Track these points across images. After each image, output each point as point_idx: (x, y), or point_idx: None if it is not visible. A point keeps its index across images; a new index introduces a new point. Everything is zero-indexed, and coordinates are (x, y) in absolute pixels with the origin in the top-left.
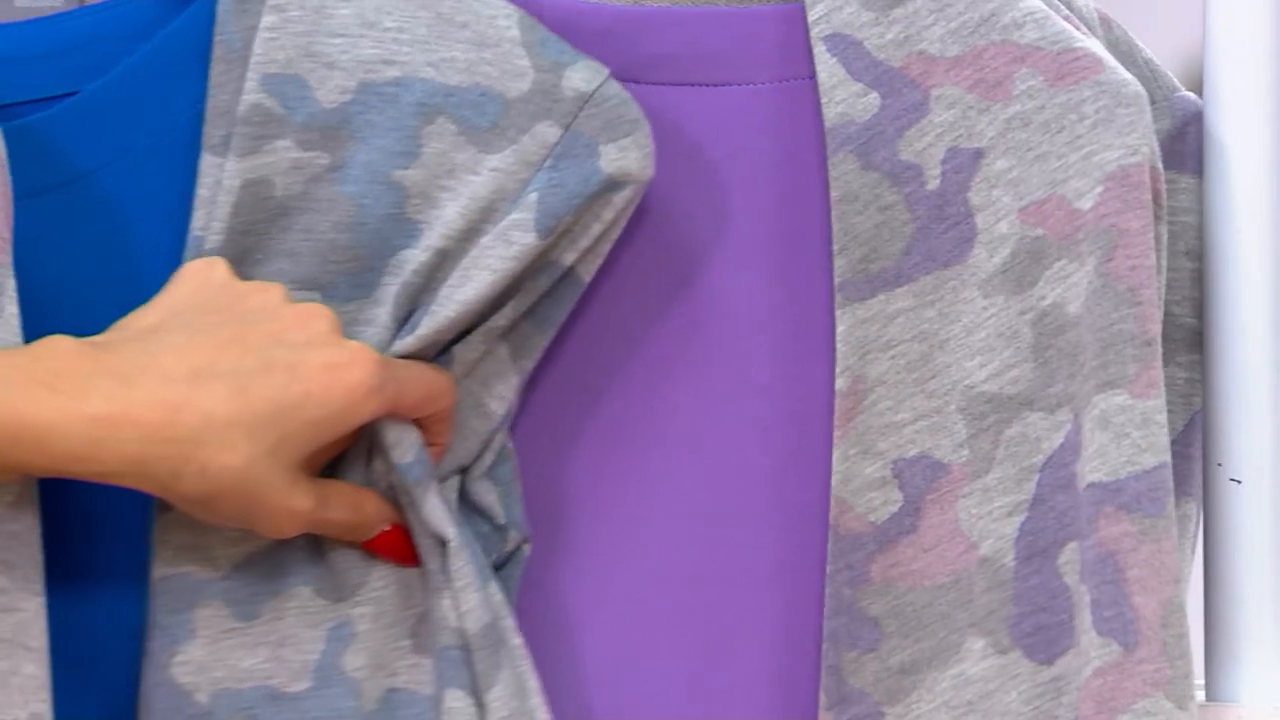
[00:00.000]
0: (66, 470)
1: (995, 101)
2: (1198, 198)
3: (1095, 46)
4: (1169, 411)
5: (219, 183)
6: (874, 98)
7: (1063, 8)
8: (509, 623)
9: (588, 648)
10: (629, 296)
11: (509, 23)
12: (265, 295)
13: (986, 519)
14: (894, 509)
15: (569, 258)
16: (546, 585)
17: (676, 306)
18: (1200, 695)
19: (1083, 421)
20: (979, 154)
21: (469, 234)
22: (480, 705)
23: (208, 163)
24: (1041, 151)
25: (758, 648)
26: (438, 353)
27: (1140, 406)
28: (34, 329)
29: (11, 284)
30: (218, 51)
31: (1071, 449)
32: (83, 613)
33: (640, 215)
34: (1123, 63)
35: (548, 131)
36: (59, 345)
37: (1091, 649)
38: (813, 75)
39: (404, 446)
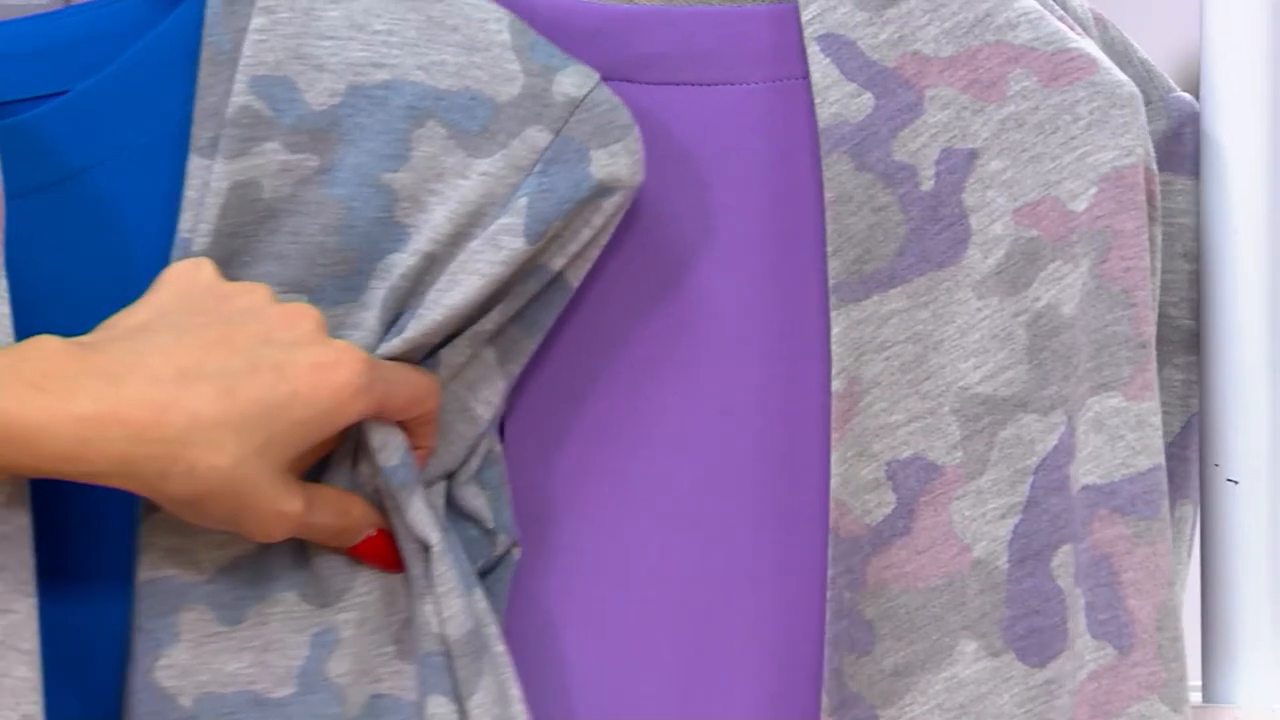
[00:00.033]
0: (54, 470)
1: (989, 102)
2: (1194, 199)
3: (1090, 47)
4: (1166, 413)
5: (207, 184)
6: (868, 98)
7: (1057, 8)
8: (493, 629)
9: (579, 651)
10: (619, 298)
11: (499, 26)
12: (252, 296)
13: (980, 521)
14: (888, 511)
15: (558, 263)
16: (538, 589)
17: (667, 308)
18: (1197, 696)
19: (1077, 424)
20: (973, 155)
21: (457, 238)
22: (462, 712)
23: (195, 165)
24: (1036, 153)
25: (749, 650)
26: (424, 356)
27: (1135, 409)
28: (24, 328)
29: (3, 284)
30: (206, 53)
31: (1065, 451)
32: (68, 615)
33: (631, 216)
34: (1118, 63)
35: (538, 136)
36: (46, 345)
37: (1086, 652)
38: (806, 75)
39: (389, 449)
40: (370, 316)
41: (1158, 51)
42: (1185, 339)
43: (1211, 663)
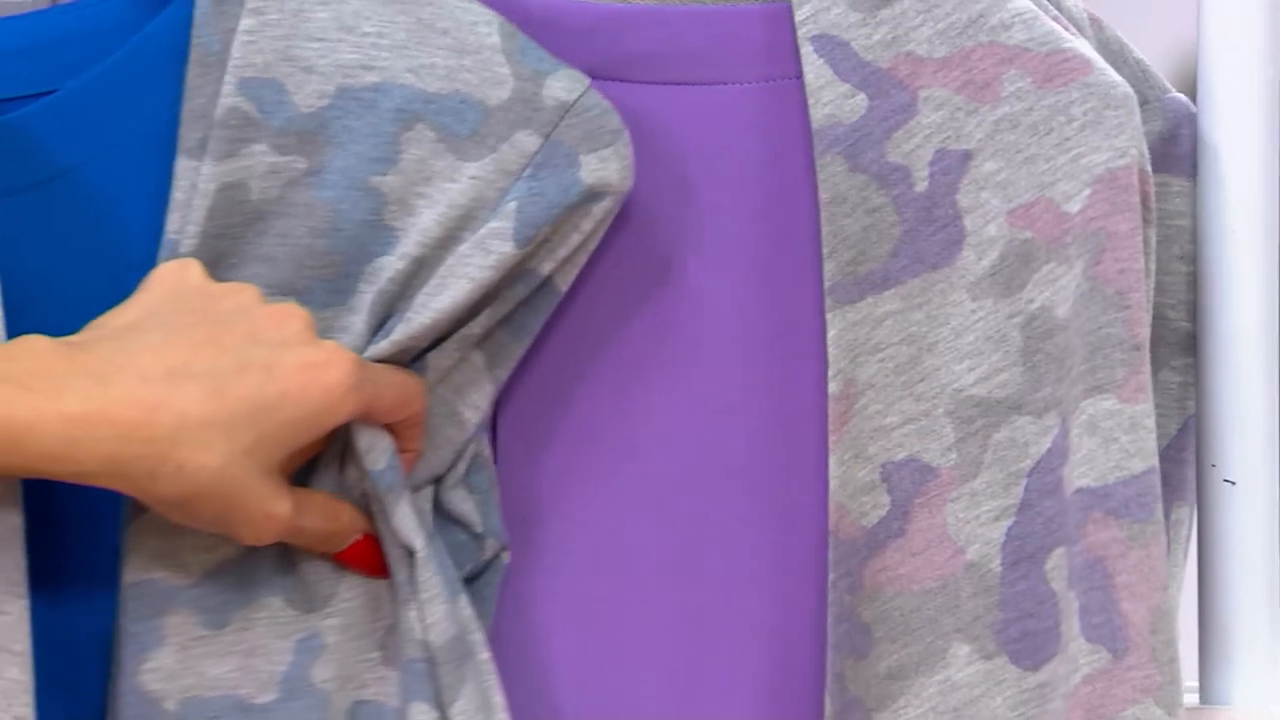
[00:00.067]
0: (43, 470)
1: (983, 103)
2: (1191, 201)
3: (1084, 48)
4: (1163, 416)
5: (194, 186)
6: (861, 99)
7: (1051, 9)
8: (477, 636)
9: (570, 654)
10: (612, 299)
11: (489, 30)
12: (240, 296)
13: (974, 523)
14: (883, 513)
15: (547, 267)
16: (528, 592)
17: (659, 308)
18: (1194, 698)
19: (1070, 426)
20: (967, 156)
21: (446, 242)
22: (445, 719)
23: (183, 166)
24: (1030, 154)
25: (743, 652)
26: (411, 359)
27: (1129, 411)
28: (10, 327)
29: None
30: (194, 54)
31: (1059, 454)
32: (56, 618)
33: (623, 217)
34: (1113, 64)
35: (527, 140)
36: (34, 345)
37: (1080, 656)
38: (799, 75)
39: (376, 452)
40: (358, 320)
41: (1154, 52)
42: (1182, 341)
43: (1208, 663)
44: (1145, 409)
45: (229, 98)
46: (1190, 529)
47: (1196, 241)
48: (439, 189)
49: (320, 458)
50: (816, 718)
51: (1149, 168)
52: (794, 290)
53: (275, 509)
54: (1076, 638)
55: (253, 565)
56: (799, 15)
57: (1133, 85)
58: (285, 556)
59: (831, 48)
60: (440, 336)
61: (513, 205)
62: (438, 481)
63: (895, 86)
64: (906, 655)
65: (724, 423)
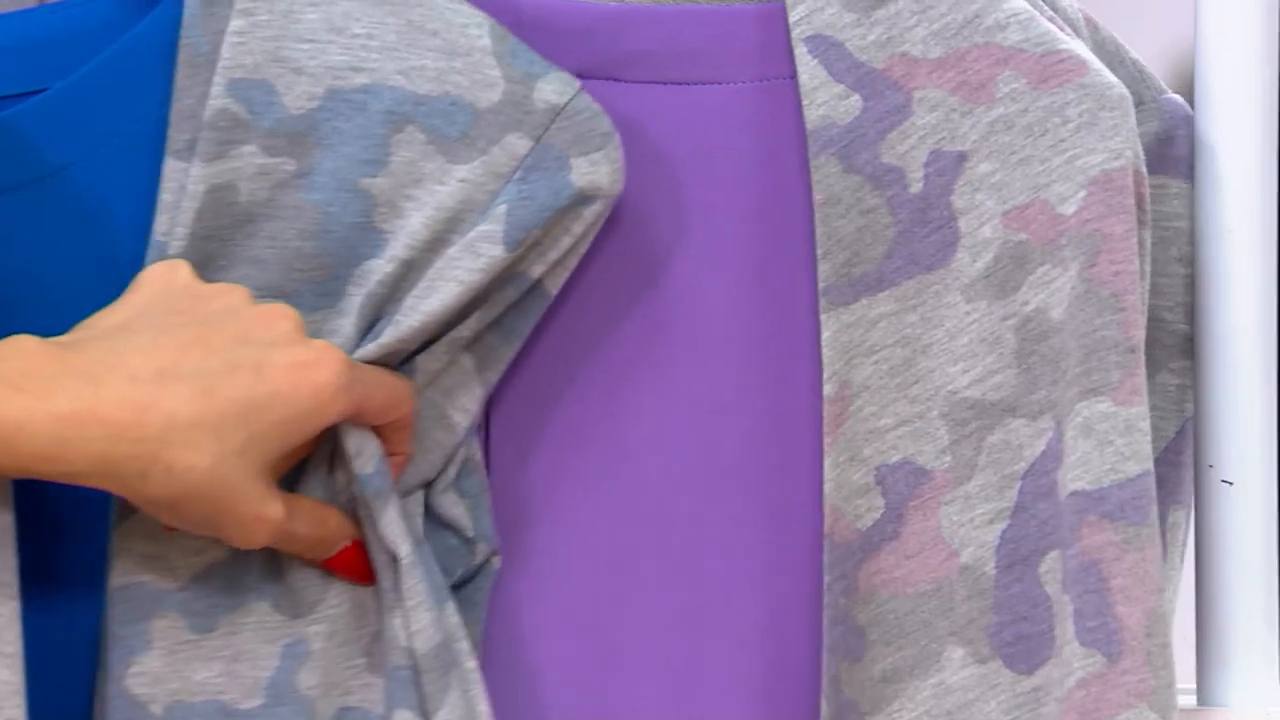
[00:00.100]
0: (33, 470)
1: (978, 104)
2: (1189, 203)
3: (1079, 48)
4: (1161, 419)
5: (183, 188)
6: (856, 100)
7: (1047, 9)
8: (464, 645)
9: (562, 657)
10: (603, 299)
11: (480, 32)
12: (229, 297)
13: (968, 526)
14: (877, 516)
15: (537, 270)
16: (521, 595)
17: (651, 309)
18: (1192, 699)
19: (1065, 429)
20: (962, 157)
21: (434, 244)
22: None
23: (171, 168)
24: (1024, 155)
25: (737, 654)
26: (401, 363)
27: (1123, 414)
28: (0, 327)
29: None
30: (183, 55)
31: (1054, 456)
32: (45, 620)
33: (616, 215)
34: (1110, 64)
35: (518, 143)
36: (24, 345)
37: (1074, 660)
38: (793, 75)
39: (365, 456)
40: (347, 323)
41: (1151, 52)
42: (1180, 344)
43: (1206, 665)
44: (1140, 411)
45: (218, 99)
46: (1187, 532)
47: (1193, 242)
48: (428, 191)
49: (308, 461)
50: None
51: (1144, 169)
52: (788, 290)
53: (266, 511)
54: (1071, 641)
55: (241, 569)
56: (793, 16)
57: (1129, 86)
58: (273, 561)
59: (826, 48)
60: (429, 339)
61: (503, 208)
62: (428, 486)
63: (890, 87)
64: (901, 658)
65: (717, 424)
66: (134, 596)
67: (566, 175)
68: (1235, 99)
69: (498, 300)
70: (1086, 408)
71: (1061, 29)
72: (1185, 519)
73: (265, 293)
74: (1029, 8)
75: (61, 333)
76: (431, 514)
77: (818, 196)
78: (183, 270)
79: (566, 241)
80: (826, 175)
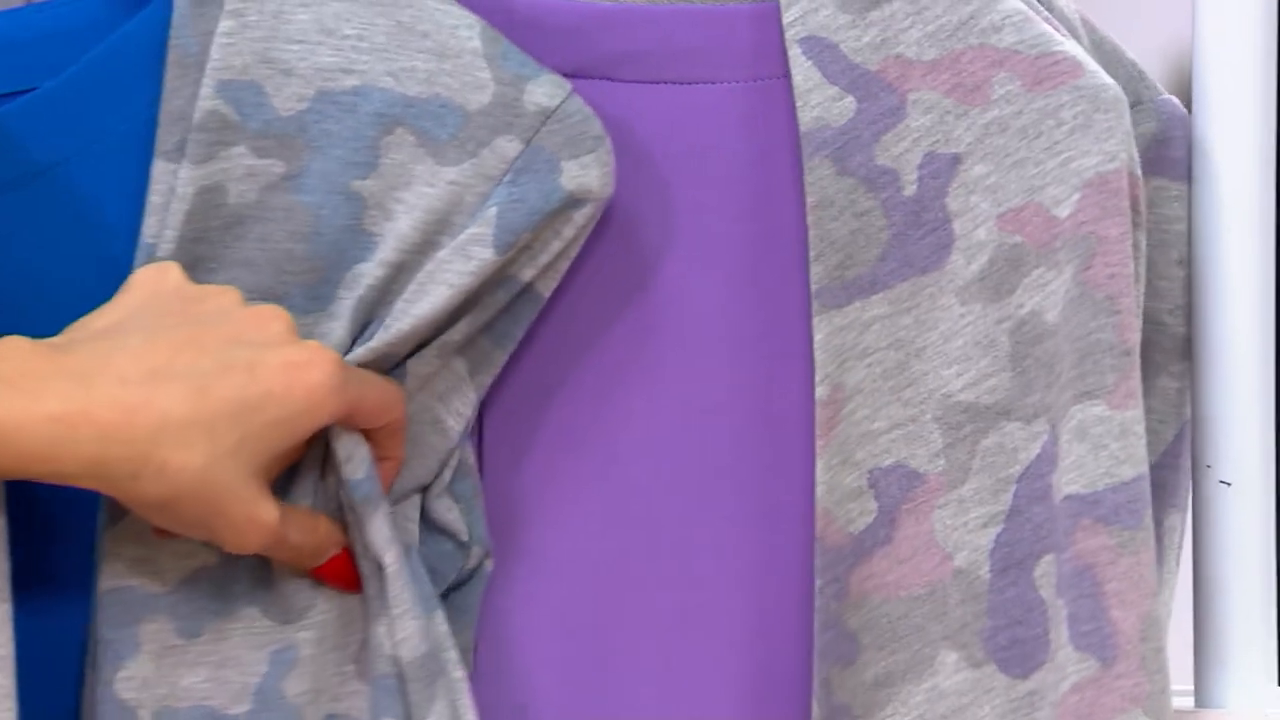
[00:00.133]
0: (26, 471)
1: (973, 106)
2: (1188, 205)
3: (1075, 50)
4: (1160, 422)
5: (172, 189)
6: (850, 102)
7: (1043, 10)
8: (451, 654)
9: (555, 660)
10: (594, 301)
11: (470, 34)
12: (220, 299)
13: (962, 530)
14: (870, 519)
15: (527, 274)
16: (513, 598)
17: (643, 310)
18: (1189, 701)
19: (1060, 432)
20: (956, 159)
21: (424, 247)
22: None
23: (160, 169)
24: (1019, 157)
25: (729, 656)
26: (392, 366)
27: (1119, 417)
28: None
29: None
30: (172, 56)
31: (1048, 460)
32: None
33: (607, 216)
34: (1107, 65)
35: (508, 146)
36: (15, 345)
37: (1069, 664)
38: (787, 75)
39: (355, 461)
40: (338, 326)
41: (1148, 52)
42: (1179, 347)
43: (1204, 667)
44: (1135, 415)
45: (207, 100)
46: (1183, 535)
47: (1191, 242)
48: (417, 194)
49: (299, 466)
50: None
51: (1139, 171)
52: (779, 291)
53: (259, 513)
54: (1065, 646)
55: (230, 574)
56: (787, 17)
57: (1127, 86)
58: (262, 567)
59: (820, 50)
60: (420, 343)
61: (493, 211)
62: (424, 490)
63: (884, 89)
64: (894, 663)
65: (709, 426)
66: (123, 600)
67: (557, 178)
68: (1233, 98)
69: (489, 304)
70: (1081, 411)
71: (1057, 30)
72: (1181, 523)
73: (255, 295)
74: (1025, 9)
75: (51, 333)
76: (426, 519)
77: (811, 199)
78: (173, 272)
79: (556, 245)
80: (820, 177)
